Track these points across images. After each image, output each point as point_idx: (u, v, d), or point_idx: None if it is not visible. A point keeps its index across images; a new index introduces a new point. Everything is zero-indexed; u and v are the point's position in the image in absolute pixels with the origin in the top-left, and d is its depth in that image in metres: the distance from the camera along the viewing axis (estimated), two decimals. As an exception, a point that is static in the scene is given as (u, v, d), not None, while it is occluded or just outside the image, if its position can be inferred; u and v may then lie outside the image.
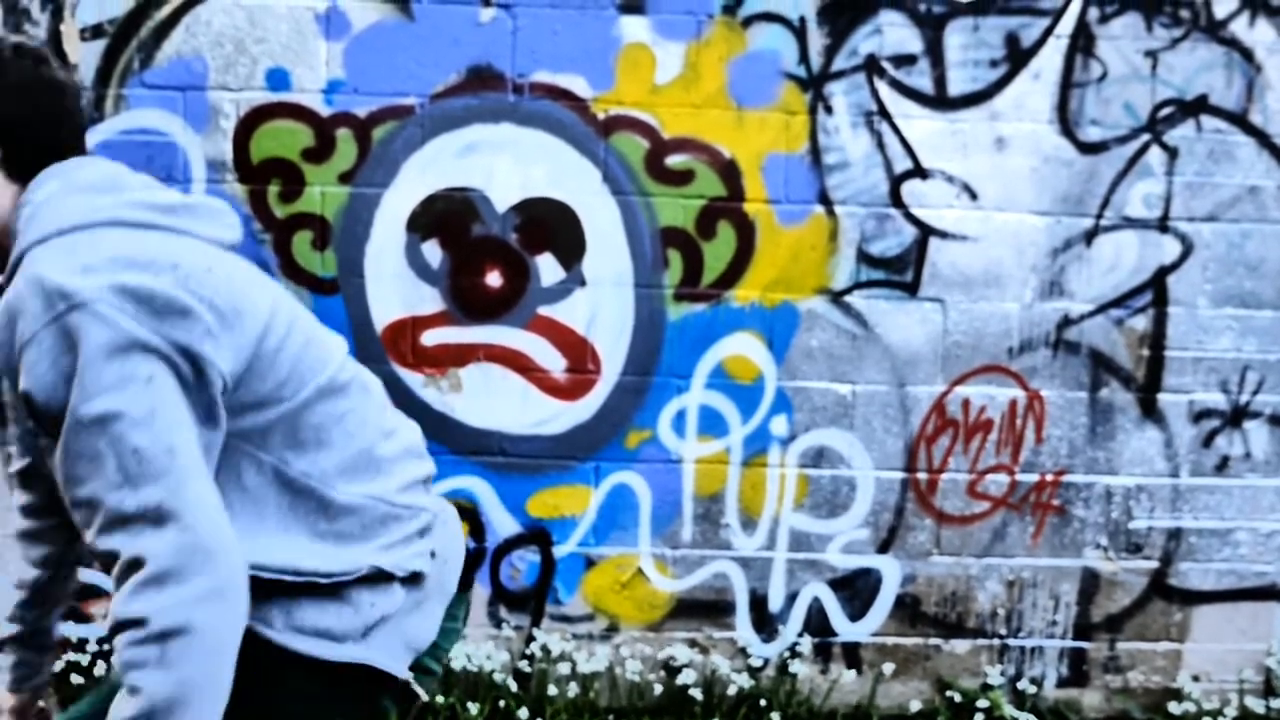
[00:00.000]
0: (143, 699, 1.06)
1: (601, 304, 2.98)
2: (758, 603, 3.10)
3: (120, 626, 1.08)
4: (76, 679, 2.98)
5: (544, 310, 2.98)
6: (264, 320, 1.23)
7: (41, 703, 1.62)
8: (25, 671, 1.58)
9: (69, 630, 3.02)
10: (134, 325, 1.10)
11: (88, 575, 3.02)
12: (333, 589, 1.27)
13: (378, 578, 1.30)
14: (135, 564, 1.08)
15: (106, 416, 1.08)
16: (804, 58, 2.94)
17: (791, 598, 3.11)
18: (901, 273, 3.02)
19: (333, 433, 1.30)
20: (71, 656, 3.01)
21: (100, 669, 3.00)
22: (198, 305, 1.15)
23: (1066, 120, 2.99)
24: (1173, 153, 3.01)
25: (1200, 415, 3.10)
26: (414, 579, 1.35)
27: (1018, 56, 2.96)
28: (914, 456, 3.08)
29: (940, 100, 2.97)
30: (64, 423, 1.09)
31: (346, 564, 1.27)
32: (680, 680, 3.04)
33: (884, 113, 2.97)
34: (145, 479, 1.08)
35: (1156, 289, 3.05)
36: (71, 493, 1.11)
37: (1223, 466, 3.12)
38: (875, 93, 2.96)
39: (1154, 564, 3.14)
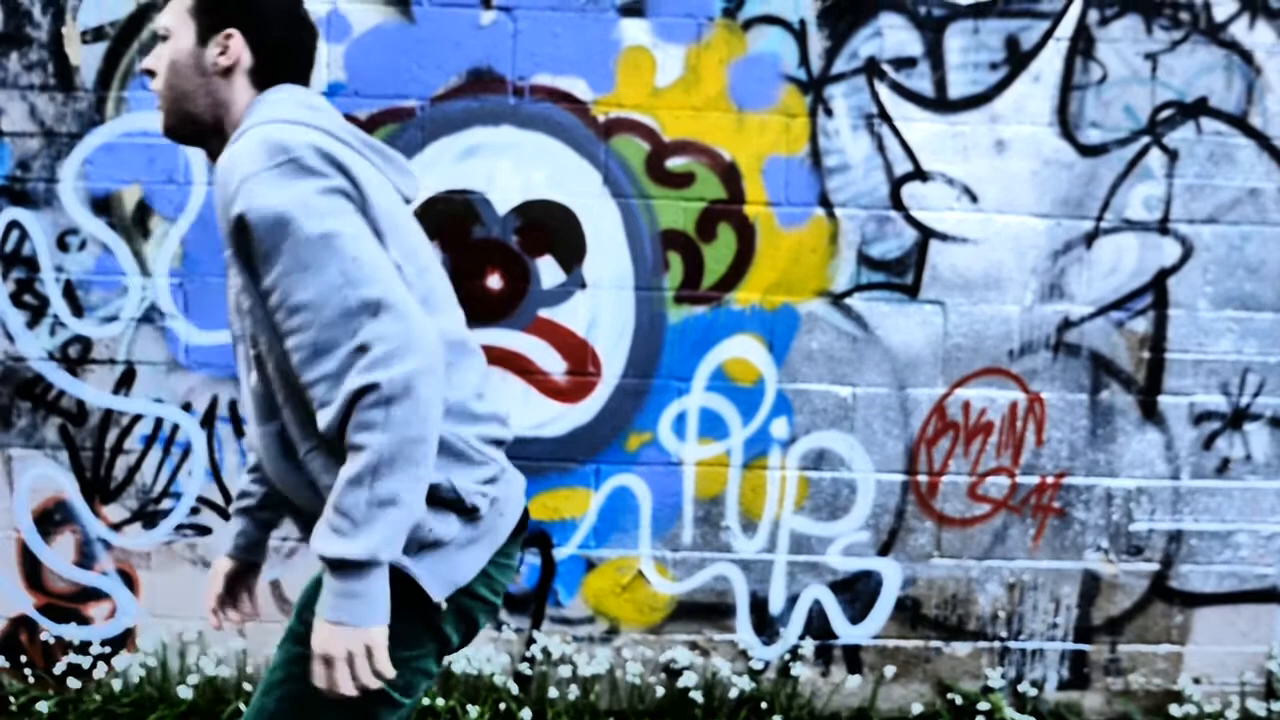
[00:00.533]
0: (369, 454, 1.25)
1: (602, 306, 2.99)
2: (758, 605, 3.10)
3: (354, 396, 1.26)
4: (78, 681, 2.98)
5: (544, 313, 2.98)
6: (404, 252, 1.41)
7: (249, 586, 1.81)
8: (245, 542, 1.77)
9: (70, 632, 3.02)
10: (339, 177, 1.34)
11: (89, 578, 3.02)
12: None
13: (440, 503, 1.41)
14: (362, 349, 1.27)
15: (329, 234, 1.30)
16: (804, 60, 2.94)
17: (792, 600, 3.10)
18: (902, 275, 3.02)
19: None
20: (73, 658, 3.01)
21: (101, 670, 3.00)
22: (371, 195, 1.38)
23: (1066, 123, 2.99)
24: (1173, 155, 3.01)
25: (1201, 417, 3.10)
26: (472, 516, 1.45)
27: (1018, 59, 2.97)
28: (914, 459, 3.08)
29: (940, 103, 2.97)
30: (280, 247, 1.29)
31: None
32: (681, 683, 3.04)
33: (884, 115, 2.97)
34: (364, 281, 1.28)
35: (1157, 291, 3.05)
36: (296, 299, 1.29)
37: (1223, 469, 3.11)
38: (875, 95, 2.96)
39: (1155, 566, 3.14)
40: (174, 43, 1.48)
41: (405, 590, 1.39)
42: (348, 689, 1.28)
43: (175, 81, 1.48)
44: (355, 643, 1.27)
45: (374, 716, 1.42)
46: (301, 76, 1.54)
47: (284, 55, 1.51)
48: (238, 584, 1.80)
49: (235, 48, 1.47)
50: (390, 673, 1.28)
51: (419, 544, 1.40)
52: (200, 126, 1.50)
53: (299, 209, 1.29)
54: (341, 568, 1.27)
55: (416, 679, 1.45)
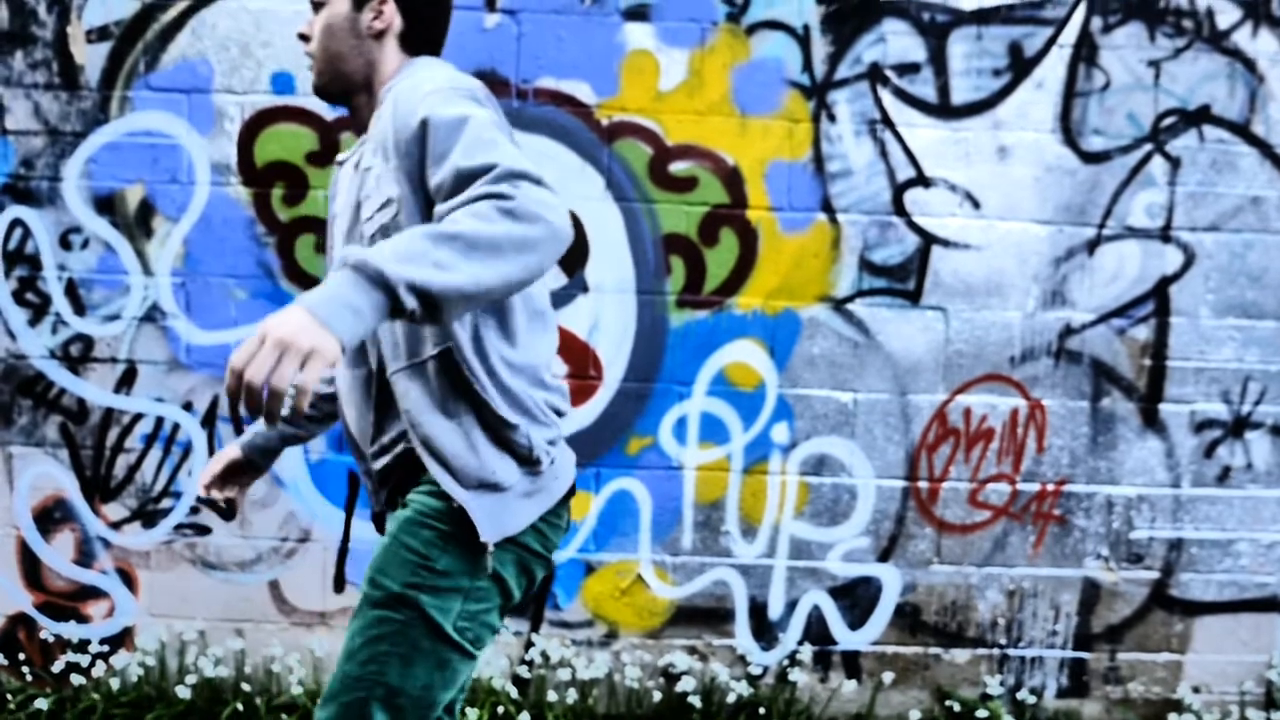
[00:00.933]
0: (456, 225, 1.28)
1: (604, 310, 2.99)
2: (757, 610, 3.10)
3: (485, 195, 1.32)
4: (77, 679, 2.97)
5: (546, 315, 2.98)
6: None
7: (242, 484, 1.89)
8: (260, 443, 1.86)
9: (69, 630, 3.02)
10: (503, 120, 1.53)
11: (88, 577, 3.02)
12: (474, 433, 1.50)
13: (510, 448, 1.52)
14: (512, 187, 1.33)
15: (491, 122, 1.44)
16: (807, 66, 2.94)
17: (791, 606, 3.10)
18: (904, 281, 3.02)
19: (520, 338, 1.56)
20: (72, 657, 3.01)
21: (99, 669, 3.00)
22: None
23: (1069, 129, 2.99)
24: (1175, 163, 3.01)
25: (1202, 425, 3.09)
26: (534, 469, 1.55)
27: (1021, 66, 2.97)
28: (915, 465, 3.07)
29: (943, 109, 2.98)
30: (459, 139, 1.40)
31: (505, 413, 1.52)
32: (679, 687, 3.04)
33: (887, 121, 2.97)
34: (522, 160, 1.38)
35: (1158, 299, 3.05)
36: (468, 165, 1.37)
37: (1224, 477, 3.11)
38: (878, 101, 2.97)
39: (1155, 574, 3.13)
40: (330, 8, 1.63)
41: (459, 528, 1.48)
42: (259, 376, 1.16)
43: (330, 44, 1.63)
44: (314, 341, 1.17)
45: (451, 669, 1.50)
46: (439, 44, 1.71)
47: (429, 22, 1.67)
48: (233, 476, 1.88)
49: (389, 13, 1.63)
50: (305, 399, 1.17)
51: (479, 482, 1.49)
52: (350, 85, 1.65)
53: (476, 115, 1.43)
54: (359, 270, 1.22)
55: (484, 632, 1.53)
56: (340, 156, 1.72)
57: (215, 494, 1.86)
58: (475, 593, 1.50)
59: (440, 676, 1.49)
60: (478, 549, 1.49)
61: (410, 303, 1.23)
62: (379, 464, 1.62)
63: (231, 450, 1.86)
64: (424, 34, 1.67)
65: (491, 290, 1.29)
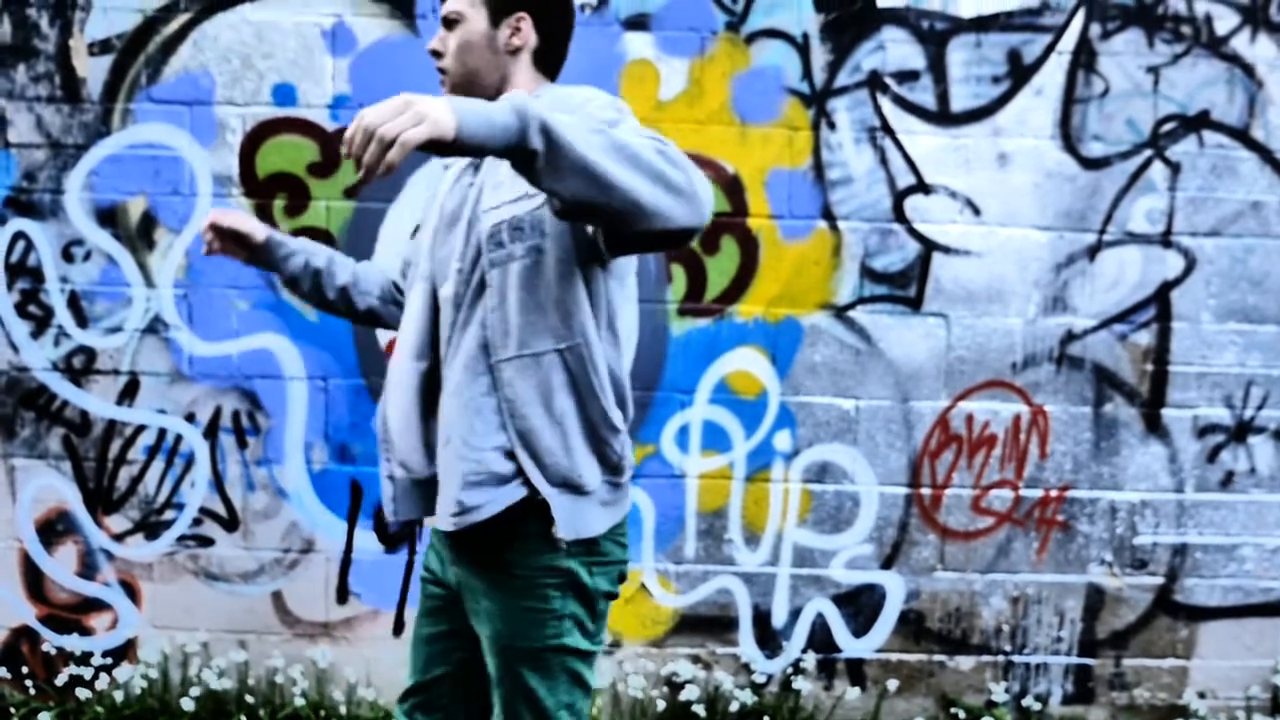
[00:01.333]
0: (614, 134, 1.35)
1: (605, 318, 2.98)
2: (761, 618, 3.09)
3: (649, 134, 1.40)
4: (81, 692, 2.97)
5: (548, 324, 2.98)
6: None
7: (235, 249, 1.93)
8: (278, 241, 1.94)
9: (72, 643, 3.02)
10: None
11: (90, 589, 3.02)
12: (573, 434, 1.59)
13: (600, 454, 1.62)
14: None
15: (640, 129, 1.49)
16: (807, 74, 2.95)
17: (795, 613, 3.09)
18: (905, 288, 3.02)
19: (622, 351, 1.66)
20: (75, 670, 3.00)
21: (102, 682, 2.99)
22: None
23: (1069, 136, 3.00)
24: (1175, 168, 3.01)
25: (1204, 430, 3.09)
26: (615, 479, 1.65)
27: (1020, 72, 2.98)
28: (918, 472, 3.07)
29: (943, 116, 2.98)
30: (618, 124, 1.45)
31: (614, 417, 1.62)
32: (683, 696, 3.03)
33: (887, 128, 2.98)
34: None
35: (1160, 304, 3.05)
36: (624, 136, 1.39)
37: (1227, 482, 3.11)
38: (878, 108, 2.97)
39: (1159, 580, 3.13)
40: (467, 25, 1.69)
41: (563, 576, 1.61)
42: (375, 121, 1.26)
43: (468, 59, 1.69)
44: (436, 111, 1.26)
45: (589, 673, 1.69)
46: (561, 65, 1.79)
47: (560, 40, 1.75)
48: (242, 241, 1.93)
49: (526, 30, 1.70)
50: (400, 154, 1.26)
51: (564, 481, 1.58)
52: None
53: (630, 119, 1.51)
54: (509, 99, 1.31)
55: (602, 625, 1.71)
56: (446, 162, 1.82)
57: (214, 245, 1.91)
58: (598, 615, 1.69)
59: (592, 676, 1.71)
60: (549, 548, 1.61)
61: (536, 142, 1.28)
62: (414, 460, 1.68)
63: (260, 227, 1.93)
64: (555, 52, 1.76)
65: (611, 189, 1.32)
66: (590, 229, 1.55)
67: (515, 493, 1.59)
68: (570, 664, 1.65)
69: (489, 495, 1.58)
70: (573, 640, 1.64)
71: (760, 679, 3.09)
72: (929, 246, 3.01)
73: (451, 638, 1.79)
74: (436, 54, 1.72)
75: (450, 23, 1.71)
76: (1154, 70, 2.98)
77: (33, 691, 3.03)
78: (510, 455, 1.59)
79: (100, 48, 2.89)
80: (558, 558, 1.62)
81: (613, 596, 1.71)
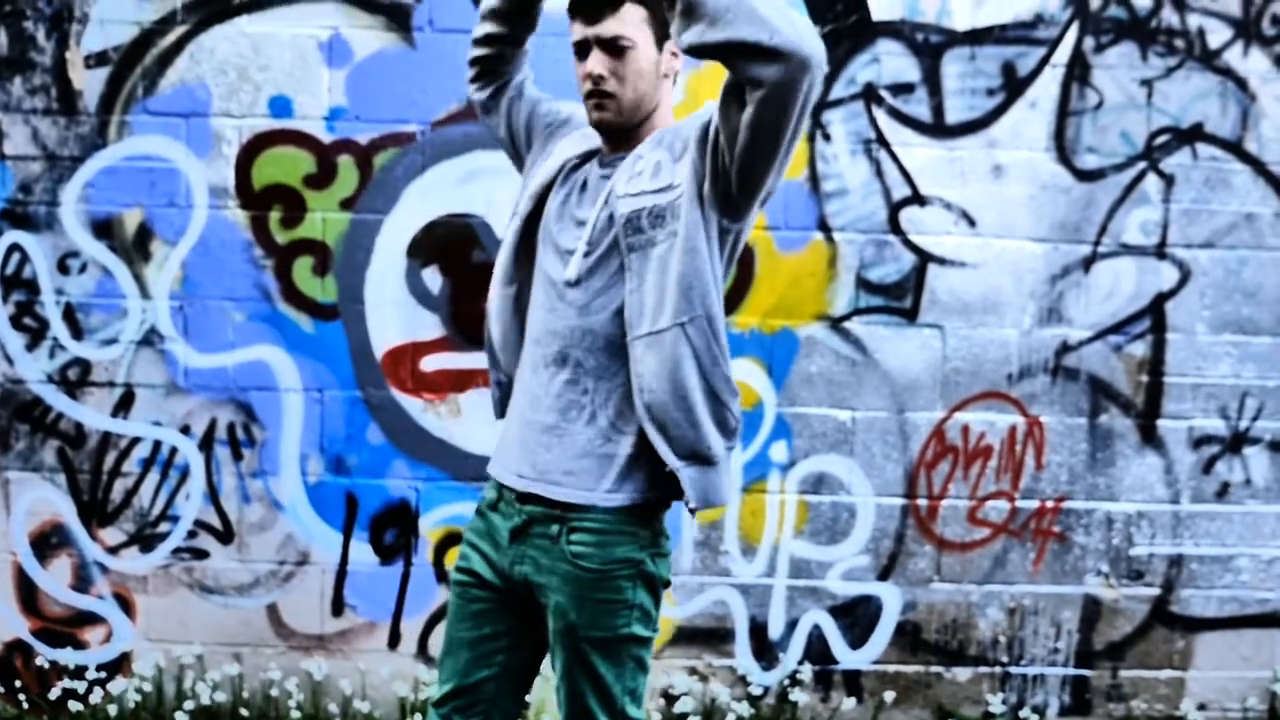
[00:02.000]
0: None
1: (601, 330, 2.98)
2: (757, 630, 3.09)
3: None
4: (74, 705, 2.96)
5: (544, 336, 2.98)
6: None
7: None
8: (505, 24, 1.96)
9: (66, 657, 3.00)
10: None
11: (85, 602, 3.01)
12: (698, 406, 1.65)
13: (722, 424, 1.70)
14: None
15: None
16: (802, 86, 2.96)
17: (791, 625, 3.09)
18: (900, 299, 3.03)
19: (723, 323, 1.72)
20: (69, 683, 2.99)
21: (96, 696, 2.98)
22: None
23: (1063, 148, 3.01)
24: (1169, 180, 3.03)
25: (1200, 441, 3.10)
26: (732, 442, 1.75)
27: (1014, 85, 2.99)
28: (914, 483, 3.07)
29: (938, 128, 2.99)
30: None
31: (734, 382, 1.70)
32: (679, 708, 3.02)
33: (882, 140, 2.99)
34: None
35: (1155, 315, 3.06)
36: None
37: (1223, 493, 3.11)
38: (873, 121, 2.98)
39: (1156, 591, 3.13)
40: (640, 51, 1.66)
41: (635, 569, 1.73)
42: None
43: (640, 84, 1.68)
44: None
45: (649, 658, 1.78)
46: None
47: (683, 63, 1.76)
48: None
49: (679, 56, 1.71)
50: None
51: (691, 452, 1.66)
52: (638, 123, 1.72)
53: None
54: None
55: (659, 613, 1.79)
56: (564, 131, 1.89)
57: None
58: (659, 603, 1.79)
59: (650, 661, 1.80)
60: (649, 576, 1.76)
61: None
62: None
63: None
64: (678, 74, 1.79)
65: (744, 16, 1.40)
66: (722, 185, 1.60)
67: (627, 496, 1.74)
68: (636, 651, 1.73)
69: (601, 474, 1.72)
70: (640, 629, 1.73)
71: (757, 691, 3.09)
72: (924, 258, 3.01)
73: (496, 639, 1.80)
74: (600, 78, 1.68)
75: (619, 49, 1.67)
76: (1147, 83, 3.00)
77: (26, 706, 3.01)
78: (638, 436, 1.69)
79: (96, 60, 2.89)
80: (633, 549, 1.73)
81: (668, 584, 1.81)
